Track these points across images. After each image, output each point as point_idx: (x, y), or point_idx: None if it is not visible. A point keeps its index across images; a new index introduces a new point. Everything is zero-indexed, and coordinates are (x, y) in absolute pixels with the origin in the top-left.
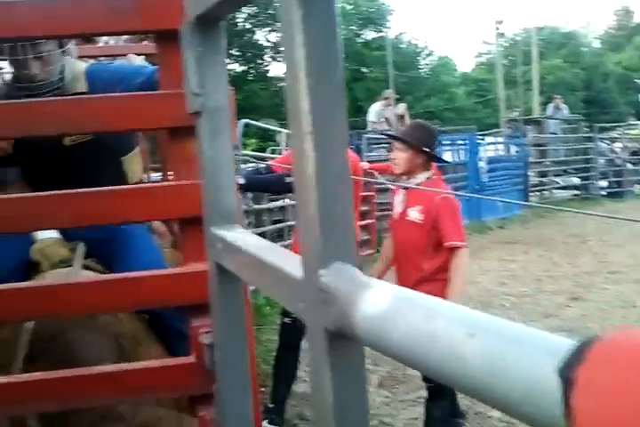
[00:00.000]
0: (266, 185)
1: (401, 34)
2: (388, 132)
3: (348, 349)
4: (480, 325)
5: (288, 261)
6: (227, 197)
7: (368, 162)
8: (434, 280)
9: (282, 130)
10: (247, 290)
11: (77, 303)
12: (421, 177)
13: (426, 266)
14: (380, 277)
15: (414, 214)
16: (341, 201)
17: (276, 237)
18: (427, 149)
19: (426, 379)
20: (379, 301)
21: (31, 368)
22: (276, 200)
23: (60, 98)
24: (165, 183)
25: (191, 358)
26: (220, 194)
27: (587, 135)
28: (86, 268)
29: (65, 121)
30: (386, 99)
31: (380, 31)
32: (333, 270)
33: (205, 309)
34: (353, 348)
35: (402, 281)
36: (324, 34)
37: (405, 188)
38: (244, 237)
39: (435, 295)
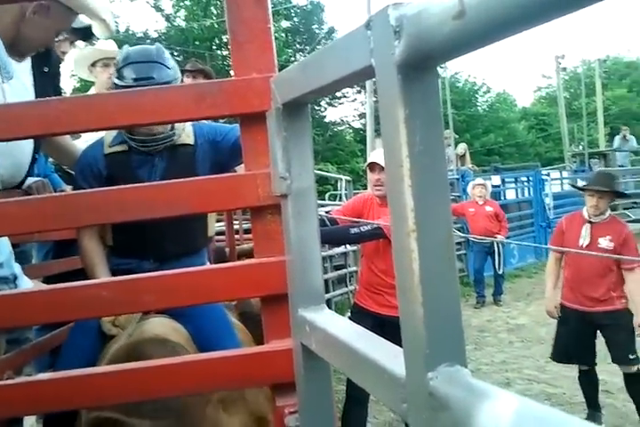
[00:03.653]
0: (331, 237)
1: (457, 73)
2: (596, 188)
3: None
4: None
5: (387, 354)
6: (313, 276)
7: None
8: (609, 298)
9: (342, 177)
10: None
11: (159, 384)
12: (607, 213)
13: (604, 286)
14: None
15: (605, 243)
16: (448, 299)
17: (337, 283)
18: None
19: None
20: (501, 415)
21: None
22: (338, 246)
23: (147, 184)
24: (250, 261)
25: None
26: (307, 273)
27: None
28: None
29: (153, 206)
30: (445, 139)
31: None
32: (443, 374)
33: (289, 387)
34: None
35: (580, 297)
36: (428, 133)
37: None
38: (334, 322)
39: (613, 310)
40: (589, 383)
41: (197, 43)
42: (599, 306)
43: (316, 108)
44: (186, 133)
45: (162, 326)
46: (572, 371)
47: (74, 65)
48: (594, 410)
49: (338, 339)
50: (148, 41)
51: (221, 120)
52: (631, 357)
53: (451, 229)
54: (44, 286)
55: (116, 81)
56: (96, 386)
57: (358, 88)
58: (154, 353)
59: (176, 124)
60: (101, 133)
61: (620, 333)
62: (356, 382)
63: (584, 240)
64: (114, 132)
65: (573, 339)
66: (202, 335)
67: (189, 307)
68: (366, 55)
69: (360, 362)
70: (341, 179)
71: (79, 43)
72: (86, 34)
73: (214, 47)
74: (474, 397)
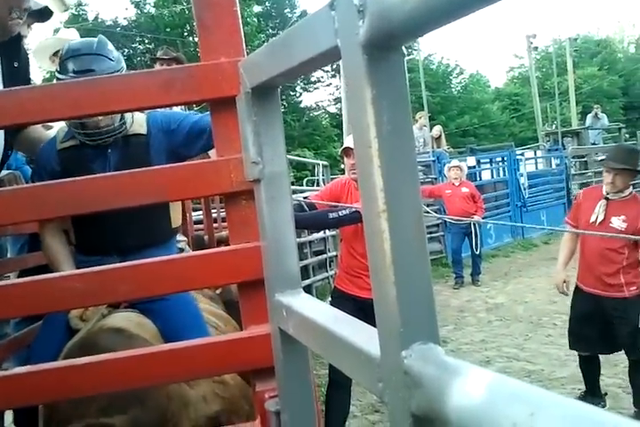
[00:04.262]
0: (310, 222)
1: (430, 55)
2: (611, 164)
3: None
4: (597, 422)
5: (362, 335)
6: (289, 260)
7: None
8: (618, 283)
9: (320, 162)
10: None
11: (136, 374)
12: (627, 191)
13: (612, 268)
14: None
15: (617, 222)
16: (420, 278)
17: (318, 268)
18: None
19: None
20: (474, 390)
21: None
22: (317, 232)
23: (122, 172)
24: (226, 248)
25: (256, 425)
26: (283, 258)
27: (629, 143)
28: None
29: (125, 194)
30: (419, 119)
31: (410, 54)
32: (417, 352)
33: (268, 372)
34: None
35: (589, 278)
36: (395, 113)
37: None
38: (310, 306)
39: (621, 297)
40: (592, 368)
41: (168, 30)
42: (607, 290)
43: (292, 93)
44: (138, 123)
45: (125, 320)
46: (550, 348)
47: (34, 55)
48: (591, 396)
49: (314, 322)
50: (118, 29)
51: (196, 107)
52: None
53: (421, 209)
54: None
55: (58, 75)
56: (73, 378)
57: (333, 72)
58: (108, 345)
59: (126, 114)
60: None
61: (628, 327)
62: (333, 363)
63: (596, 217)
64: (67, 127)
65: (586, 325)
66: (169, 329)
67: (164, 296)
68: (331, 36)
69: (336, 344)
70: (318, 164)
71: (36, 25)
72: (42, 14)
73: (186, 34)
74: (447, 374)
